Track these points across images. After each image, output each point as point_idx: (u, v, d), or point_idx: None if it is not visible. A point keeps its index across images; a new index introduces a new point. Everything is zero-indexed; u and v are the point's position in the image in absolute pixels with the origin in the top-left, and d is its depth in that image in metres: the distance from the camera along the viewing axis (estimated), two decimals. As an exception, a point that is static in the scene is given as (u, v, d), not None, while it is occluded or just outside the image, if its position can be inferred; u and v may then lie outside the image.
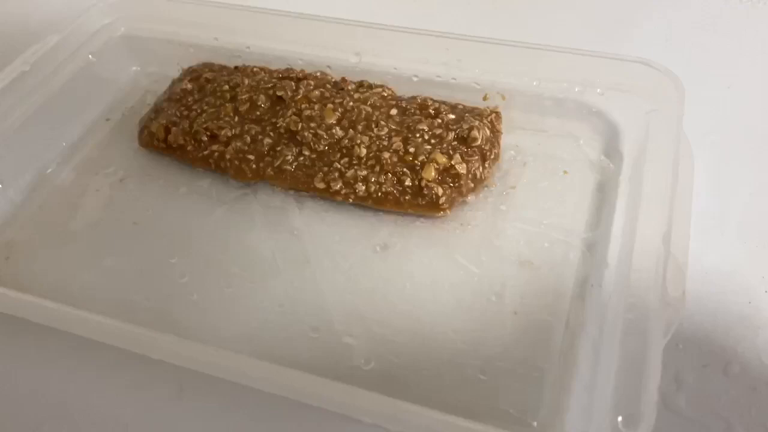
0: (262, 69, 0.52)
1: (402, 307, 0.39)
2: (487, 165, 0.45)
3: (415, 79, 0.50)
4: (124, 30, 0.55)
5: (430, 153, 0.44)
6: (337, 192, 0.44)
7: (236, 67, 0.54)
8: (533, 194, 0.45)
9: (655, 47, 0.57)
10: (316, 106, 0.48)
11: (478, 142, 0.45)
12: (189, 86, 0.51)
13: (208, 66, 0.54)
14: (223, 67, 0.54)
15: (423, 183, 0.43)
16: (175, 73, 0.55)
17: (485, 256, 0.42)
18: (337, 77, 0.51)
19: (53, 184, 0.48)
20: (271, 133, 0.47)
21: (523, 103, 0.48)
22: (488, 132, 0.46)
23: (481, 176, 0.45)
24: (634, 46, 0.57)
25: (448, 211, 0.43)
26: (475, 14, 0.63)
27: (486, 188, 0.45)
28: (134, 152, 0.50)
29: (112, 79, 0.55)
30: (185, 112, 0.50)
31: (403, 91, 0.50)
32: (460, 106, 0.48)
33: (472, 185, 0.44)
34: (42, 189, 0.48)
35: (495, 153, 0.46)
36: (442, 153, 0.44)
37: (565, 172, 0.46)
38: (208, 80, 0.52)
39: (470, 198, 0.44)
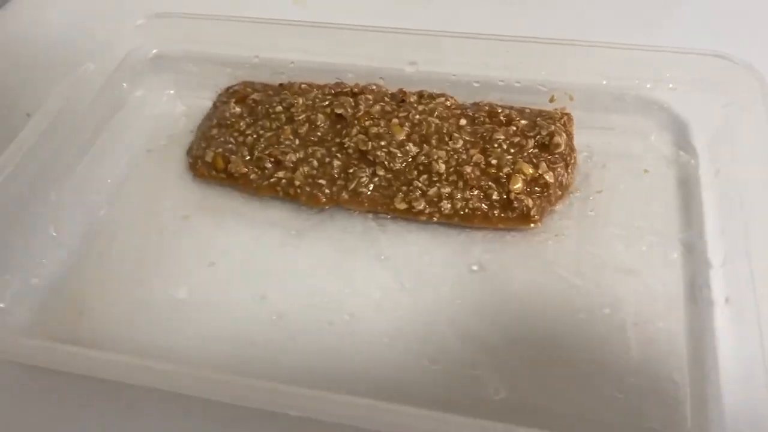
0: (310, 85, 0.50)
1: (516, 329, 0.38)
2: (569, 170, 0.44)
3: (476, 85, 0.48)
4: (156, 52, 0.52)
5: (514, 163, 0.43)
6: (421, 212, 0.42)
7: (281, 85, 0.51)
8: (618, 196, 0.44)
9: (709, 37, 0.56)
10: (382, 122, 0.46)
11: (561, 148, 0.43)
12: (237, 109, 0.49)
13: (249, 85, 0.52)
14: (266, 86, 0.51)
15: (512, 196, 0.42)
16: (212, 95, 0.52)
17: (585, 267, 0.41)
18: (392, 89, 0.49)
19: (110, 227, 0.45)
20: (339, 154, 0.45)
21: (587, 102, 0.47)
22: (565, 136, 0.45)
23: (566, 183, 0.43)
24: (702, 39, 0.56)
25: (539, 223, 0.42)
26: (506, 12, 0.61)
27: (570, 194, 0.44)
28: (188, 184, 0.47)
29: (147, 107, 0.52)
30: (240, 138, 0.47)
31: (465, 98, 0.48)
32: (528, 110, 0.47)
33: (560, 193, 0.43)
34: (99, 234, 0.44)
35: (573, 157, 0.45)
36: (527, 162, 0.43)
37: (645, 170, 0.45)
38: (256, 101, 0.49)
39: (558, 206, 0.43)
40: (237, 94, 0.51)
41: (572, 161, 0.44)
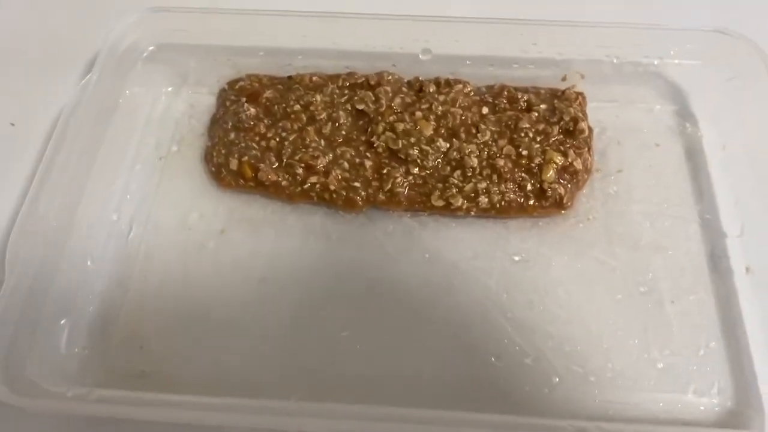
0: (321, 77, 0.49)
1: (566, 315, 0.41)
2: (591, 154, 0.46)
3: (490, 68, 0.49)
4: (151, 49, 0.49)
5: (544, 153, 0.44)
6: (459, 208, 0.44)
7: (290, 77, 0.50)
8: (635, 172, 0.47)
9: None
10: (406, 116, 0.46)
11: (586, 134, 0.45)
12: (252, 110, 0.47)
13: (254, 78, 0.50)
14: (273, 78, 0.50)
15: (544, 185, 0.44)
16: (213, 90, 0.51)
17: (618, 247, 0.44)
18: (407, 76, 0.49)
19: (143, 249, 0.44)
20: (368, 154, 0.45)
21: (595, 78, 0.49)
22: (586, 121, 0.46)
23: (590, 166, 0.46)
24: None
25: (570, 208, 0.44)
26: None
27: (592, 174, 0.47)
28: (212, 194, 0.46)
29: (147, 108, 0.50)
30: (262, 143, 0.46)
31: (477, 79, 0.49)
32: (542, 90, 0.48)
33: (586, 176, 0.45)
34: (134, 258, 0.43)
35: (592, 137, 0.47)
36: (555, 151, 0.44)
37: (656, 144, 0.48)
38: (270, 100, 0.48)
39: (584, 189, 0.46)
40: (245, 90, 0.49)
41: (591, 142, 0.46)
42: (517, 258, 0.43)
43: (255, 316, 0.41)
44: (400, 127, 0.45)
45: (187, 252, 0.44)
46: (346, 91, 0.48)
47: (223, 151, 0.46)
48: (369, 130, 0.46)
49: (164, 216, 0.45)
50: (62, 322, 0.39)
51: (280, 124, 0.46)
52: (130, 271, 0.43)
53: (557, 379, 0.39)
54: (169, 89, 0.51)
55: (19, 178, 0.47)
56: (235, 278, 0.43)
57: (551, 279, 0.43)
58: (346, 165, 0.45)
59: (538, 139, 0.45)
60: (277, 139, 0.46)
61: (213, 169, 0.46)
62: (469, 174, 0.44)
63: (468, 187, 0.44)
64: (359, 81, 0.48)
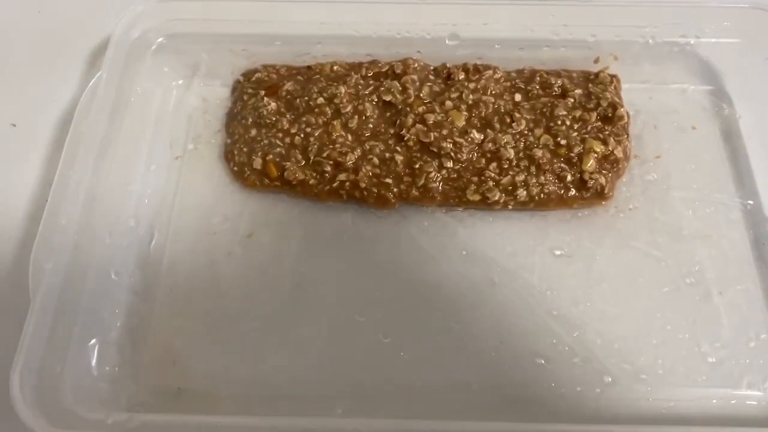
0: (342, 66, 0.47)
1: (613, 311, 0.40)
2: (629, 140, 0.44)
3: (520, 51, 0.47)
4: (161, 41, 0.46)
5: (583, 141, 0.43)
6: (496, 202, 0.42)
7: (309, 67, 0.47)
8: (673, 157, 0.45)
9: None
10: (437, 107, 0.44)
11: (625, 120, 0.44)
12: (273, 105, 0.45)
13: (270, 68, 0.47)
14: (290, 68, 0.47)
15: (585, 175, 0.42)
16: (226, 82, 0.48)
17: (661, 237, 0.42)
18: (433, 63, 0.47)
19: (168, 257, 0.42)
20: (399, 148, 0.43)
21: (627, 58, 0.47)
22: (624, 107, 0.44)
23: (629, 153, 0.44)
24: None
25: (611, 198, 0.43)
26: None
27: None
28: (235, 195, 0.44)
29: (158, 103, 0.47)
30: (286, 139, 0.44)
31: (506, 63, 0.46)
32: (575, 74, 0.46)
33: (626, 164, 0.44)
34: (158, 267, 0.41)
35: (629, 122, 0.45)
36: (595, 139, 0.43)
37: (693, 127, 0.46)
38: (290, 93, 0.45)
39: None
40: (263, 82, 0.46)
41: (629, 128, 0.45)
42: (558, 252, 0.42)
43: (291, 324, 0.40)
44: (431, 118, 0.43)
45: (214, 258, 0.42)
46: (371, 81, 0.45)
47: (244, 149, 0.44)
48: (398, 122, 0.44)
49: (186, 220, 0.43)
50: (92, 342, 0.37)
51: (304, 119, 0.44)
52: (155, 282, 0.41)
53: (609, 379, 0.38)
54: (180, 82, 0.48)
55: (25, 181, 0.45)
56: (267, 285, 0.41)
57: (595, 273, 0.41)
58: (375, 160, 0.43)
59: (576, 126, 0.43)
60: (302, 135, 0.44)
61: (235, 168, 0.44)
62: (506, 166, 0.42)
63: (505, 180, 0.42)
64: (384, 70, 0.46)
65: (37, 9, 0.53)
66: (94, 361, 0.37)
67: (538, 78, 0.45)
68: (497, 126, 0.43)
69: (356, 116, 0.44)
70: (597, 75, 0.46)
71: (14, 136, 0.47)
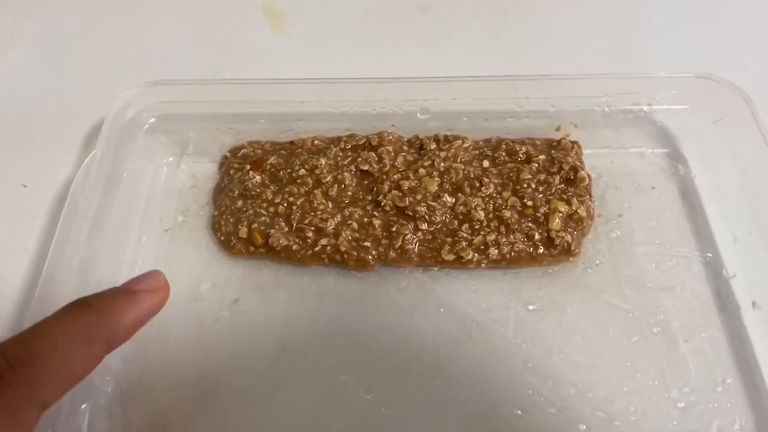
0: (322, 140, 0.50)
1: (585, 361, 0.42)
2: (592, 200, 0.47)
3: (486, 122, 0.50)
4: (152, 121, 0.49)
5: (548, 202, 0.45)
6: (470, 261, 0.44)
7: (292, 142, 0.50)
8: (635, 215, 0.48)
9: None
10: (411, 174, 0.47)
11: (586, 182, 0.47)
12: (257, 178, 0.48)
13: (256, 144, 0.51)
14: (274, 144, 0.51)
15: (552, 234, 0.45)
16: (213, 158, 0.51)
17: (627, 290, 0.44)
18: (407, 135, 0.50)
19: (156, 323, 0.42)
20: (376, 213, 0.46)
21: (587, 125, 0.51)
22: (585, 169, 0.48)
23: (593, 212, 0.47)
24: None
25: (579, 255, 0.45)
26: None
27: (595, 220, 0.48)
28: (222, 262, 0.46)
29: (152, 181, 0.50)
30: (270, 209, 0.46)
31: (474, 133, 0.50)
32: (539, 141, 0.50)
33: (590, 222, 0.47)
34: (148, 332, 0.42)
35: (591, 184, 0.48)
36: (559, 200, 0.46)
37: (652, 187, 0.49)
38: (274, 166, 0.48)
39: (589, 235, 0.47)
40: (248, 157, 0.49)
41: (591, 189, 0.48)
42: (531, 307, 0.44)
43: (278, 386, 0.41)
44: (406, 185, 0.46)
45: (202, 324, 0.43)
46: (349, 153, 0.49)
47: (231, 220, 0.47)
48: (375, 189, 0.47)
49: (175, 288, 0.44)
50: (83, 406, 0.38)
51: (287, 189, 0.47)
52: (144, 348, 0.42)
53: (584, 427, 0.39)
54: (170, 159, 0.51)
55: (34, 235, 0.48)
56: (255, 348, 0.42)
57: (567, 326, 0.43)
58: (355, 225, 0.45)
59: (541, 189, 0.46)
60: (285, 204, 0.46)
61: (222, 237, 0.47)
62: (477, 227, 0.45)
63: (477, 239, 0.45)
64: (360, 142, 0.49)
65: (46, 90, 0.58)
66: (85, 426, 0.38)
67: (504, 146, 0.49)
68: (467, 190, 0.46)
69: (336, 185, 0.47)
70: (559, 142, 0.50)
71: (25, 195, 0.51)
